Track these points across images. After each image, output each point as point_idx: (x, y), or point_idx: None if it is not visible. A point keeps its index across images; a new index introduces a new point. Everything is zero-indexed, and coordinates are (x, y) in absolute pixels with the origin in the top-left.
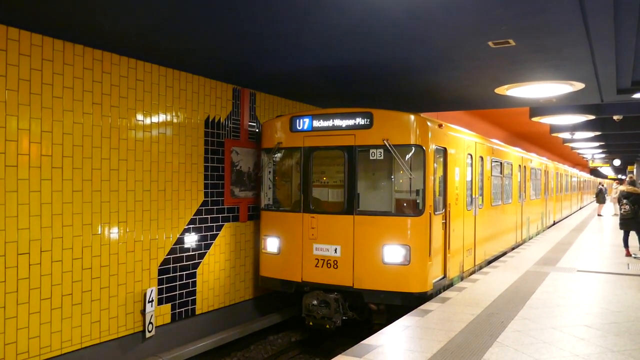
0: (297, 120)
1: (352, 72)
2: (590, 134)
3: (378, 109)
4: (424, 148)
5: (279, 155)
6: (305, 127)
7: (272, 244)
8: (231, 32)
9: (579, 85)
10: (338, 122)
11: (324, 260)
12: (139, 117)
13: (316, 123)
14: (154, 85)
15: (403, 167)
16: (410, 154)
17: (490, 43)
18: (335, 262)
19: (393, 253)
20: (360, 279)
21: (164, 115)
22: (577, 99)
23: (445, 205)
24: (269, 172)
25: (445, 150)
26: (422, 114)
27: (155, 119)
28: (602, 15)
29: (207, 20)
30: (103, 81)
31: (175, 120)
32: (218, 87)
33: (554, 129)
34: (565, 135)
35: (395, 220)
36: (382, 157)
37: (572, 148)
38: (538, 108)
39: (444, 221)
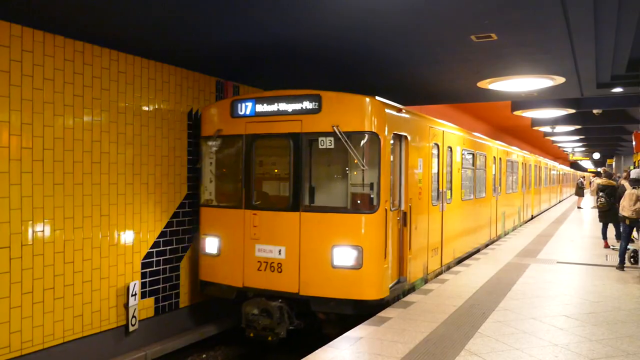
0: (239, 105)
1: (336, 63)
2: (571, 128)
3: (327, 91)
4: (379, 135)
5: (218, 144)
6: (248, 112)
7: (211, 245)
8: (217, 23)
9: (560, 80)
10: (283, 106)
11: (267, 262)
12: (121, 109)
13: (259, 107)
14: (137, 77)
15: (355, 157)
16: (364, 142)
17: (472, 37)
18: (279, 265)
19: (343, 255)
20: (306, 284)
21: (147, 108)
22: (557, 93)
23: (405, 201)
24: (210, 163)
25: (405, 137)
26: (402, 106)
27: (137, 112)
28: (583, 9)
29: (189, 10)
30: (84, 73)
31: (158, 113)
32: (201, 79)
33: (535, 122)
34: (546, 128)
35: (345, 217)
36: (332, 146)
37: (553, 141)
38: (520, 102)
39: (401, 218)
